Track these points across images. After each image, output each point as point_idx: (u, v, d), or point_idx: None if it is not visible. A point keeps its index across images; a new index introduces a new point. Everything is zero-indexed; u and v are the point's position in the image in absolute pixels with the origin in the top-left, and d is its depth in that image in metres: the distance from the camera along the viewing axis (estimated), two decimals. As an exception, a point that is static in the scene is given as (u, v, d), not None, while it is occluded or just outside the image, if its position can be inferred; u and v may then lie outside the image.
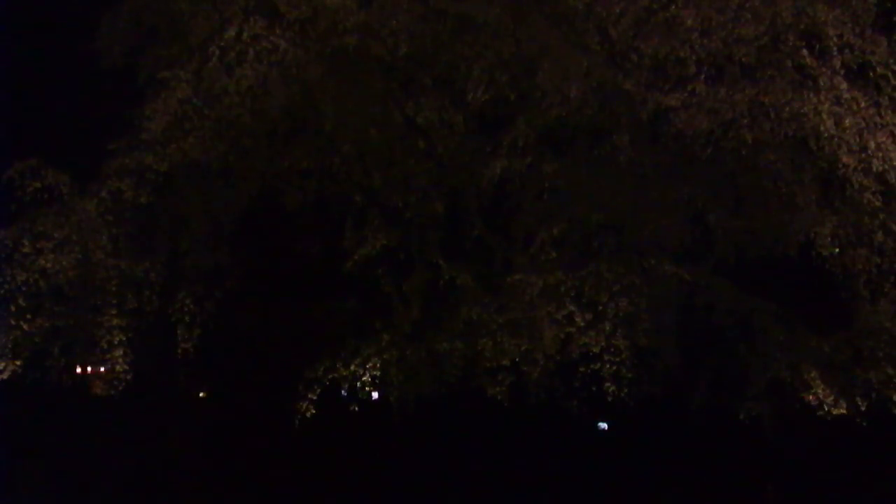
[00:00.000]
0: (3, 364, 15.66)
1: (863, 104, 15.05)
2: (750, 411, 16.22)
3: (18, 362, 15.73)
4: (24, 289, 15.55)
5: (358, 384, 16.78)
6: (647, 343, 15.64)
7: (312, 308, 17.57)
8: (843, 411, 15.90)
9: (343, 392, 16.96)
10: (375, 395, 17.11)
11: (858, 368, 15.88)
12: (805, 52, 15.09)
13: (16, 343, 15.67)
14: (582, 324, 15.51)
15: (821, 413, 16.01)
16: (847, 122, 14.90)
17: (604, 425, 18.88)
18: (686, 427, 17.70)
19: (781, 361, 15.99)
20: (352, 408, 16.99)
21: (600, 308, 15.51)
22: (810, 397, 15.91)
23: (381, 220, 16.44)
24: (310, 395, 16.69)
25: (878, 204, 15.20)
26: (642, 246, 15.86)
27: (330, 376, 16.70)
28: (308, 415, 16.62)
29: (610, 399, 15.78)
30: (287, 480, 18.29)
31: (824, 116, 14.79)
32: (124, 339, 15.81)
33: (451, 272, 16.19)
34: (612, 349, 15.55)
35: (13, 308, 15.56)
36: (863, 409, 15.91)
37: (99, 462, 18.48)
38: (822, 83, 14.98)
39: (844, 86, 15.02)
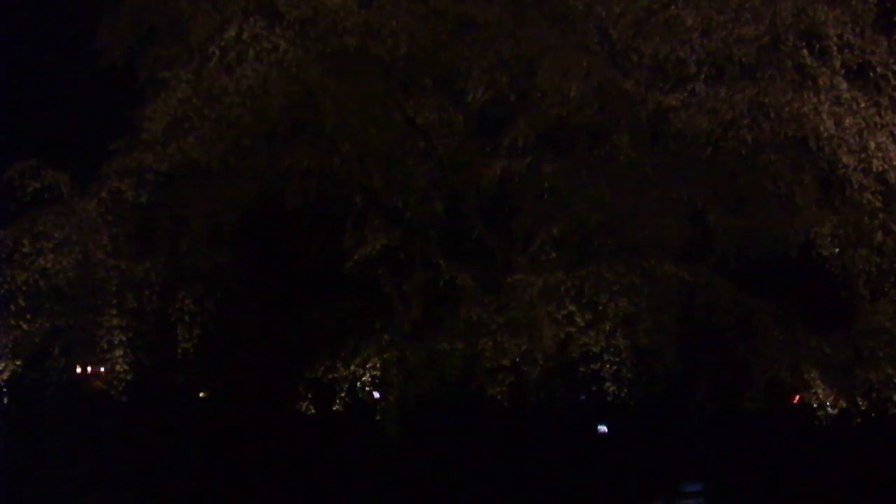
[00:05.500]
0: (3, 364, 15.67)
1: (863, 104, 15.05)
2: (750, 411, 16.23)
3: (18, 362, 15.74)
4: (24, 289, 15.56)
5: (358, 384, 16.77)
6: (647, 343, 15.64)
7: (312, 308, 17.57)
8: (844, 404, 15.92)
9: (342, 393, 16.96)
10: (377, 394, 17.11)
11: (858, 368, 15.89)
12: (805, 52, 15.09)
13: (16, 343, 15.68)
14: (582, 324, 15.51)
15: (821, 413, 16.03)
16: (847, 122, 14.91)
17: (603, 428, 18.82)
18: (686, 427, 17.72)
19: (781, 361, 15.99)
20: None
21: (600, 308, 15.50)
22: (812, 399, 15.93)
23: (381, 220, 16.44)
24: (310, 395, 16.70)
25: (878, 204, 15.20)
26: (642, 246, 15.86)
27: (330, 376, 16.70)
28: (308, 413, 16.66)
29: (610, 399, 15.78)
30: (287, 480, 18.28)
31: (824, 116, 14.79)
32: (124, 339, 15.82)
33: (451, 272, 16.18)
34: (612, 349, 15.55)
35: (13, 308, 15.57)
36: (863, 408, 15.93)
37: (99, 461, 18.47)
38: (822, 83, 14.99)
39: (844, 86, 15.02)
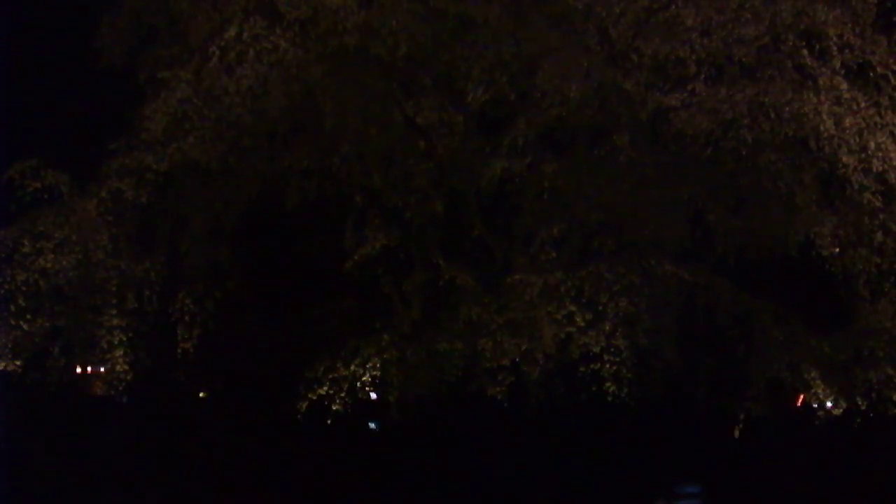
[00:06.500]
0: (2, 364, 15.67)
1: (863, 104, 15.06)
2: (750, 411, 16.23)
3: (18, 362, 15.75)
4: (24, 289, 15.58)
5: (358, 384, 16.77)
6: (647, 343, 15.64)
7: (312, 308, 17.58)
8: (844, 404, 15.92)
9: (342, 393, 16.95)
10: (374, 395, 17.12)
11: (858, 368, 15.88)
12: (805, 52, 15.10)
13: (16, 343, 15.69)
14: (582, 324, 15.52)
15: (821, 413, 16.03)
16: (847, 122, 14.91)
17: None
18: (686, 427, 17.72)
19: (781, 361, 15.99)
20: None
21: (600, 308, 15.51)
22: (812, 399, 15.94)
23: (381, 220, 16.46)
24: (310, 395, 16.70)
25: (878, 204, 15.21)
26: (642, 246, 15.87)
27: (330, 376, 16.70)
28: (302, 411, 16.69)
29: (610, 399, 15.78)
30: (287, 480, 18.29)
31: (824, 116, 14.79)
32: (124, 339, 15.84)
33: (451, 272, 16.19)
34: (612, 349, 15.55)
35: (13, 308, 15.57)
36: (863, 408, 15.93)
37: (99, 462, 18.46)
38: (822, 83, 14.99)
39: (844, 86, 15.03)
